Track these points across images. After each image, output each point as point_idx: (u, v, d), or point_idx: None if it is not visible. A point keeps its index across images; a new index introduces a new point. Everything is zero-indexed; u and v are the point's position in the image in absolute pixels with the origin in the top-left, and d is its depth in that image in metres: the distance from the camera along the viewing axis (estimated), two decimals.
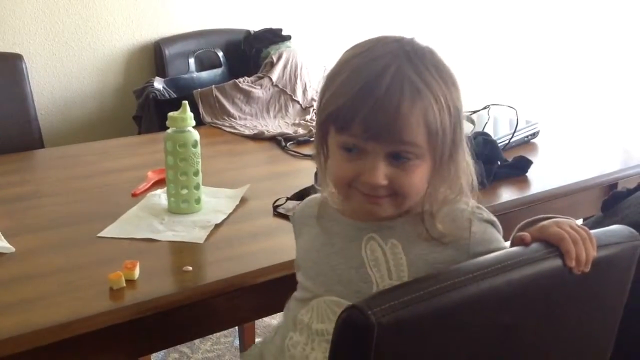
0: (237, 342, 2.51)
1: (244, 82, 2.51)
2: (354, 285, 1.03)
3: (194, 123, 1.51)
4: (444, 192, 1.04)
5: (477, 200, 1.08)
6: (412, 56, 0.98)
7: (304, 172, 1.77)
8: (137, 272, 1.23)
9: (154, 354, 2.32)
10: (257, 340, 2.21)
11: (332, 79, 1.01)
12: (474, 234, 1.03)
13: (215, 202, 1.57)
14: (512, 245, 1.00)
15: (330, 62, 1.09)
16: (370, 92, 0.95)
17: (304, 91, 2.58)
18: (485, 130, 1.86)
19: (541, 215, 1.04)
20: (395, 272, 1.02)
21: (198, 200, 1.53)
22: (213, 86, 2.47)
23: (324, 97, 1.01)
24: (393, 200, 1.00)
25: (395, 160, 0.98)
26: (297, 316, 1.09)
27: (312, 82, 2.62)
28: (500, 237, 1.06)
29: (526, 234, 0.98)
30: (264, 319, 2.47)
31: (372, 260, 1.03)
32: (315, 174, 1.57)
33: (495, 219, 1.07)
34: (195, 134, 1.51)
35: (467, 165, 1.05)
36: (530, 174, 1.73)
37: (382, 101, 0.94)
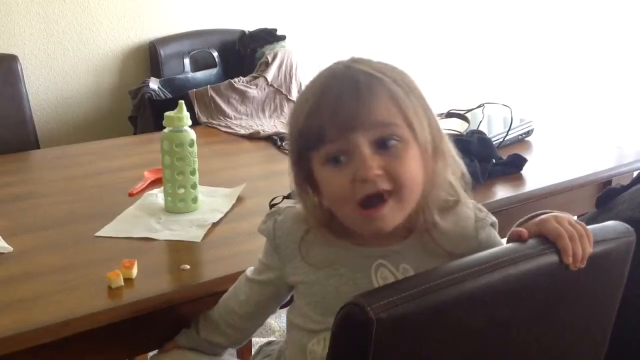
0: None
1: (239, 82, 2.51)
2: None
3: (190, 122, 1.51)
4: (437, 191, 1.01)
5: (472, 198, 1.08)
6: (358, 59, 1.01)
7: None
8: (135, 271, 1.23)
9: (151, 353, 2.32)
10: (253, 340, 2.21)
11: (291, 117, 1.03)
12: (481, 243, 1.03)
13: (212, 201, 1.58)
14: (508, 240, 1.00)
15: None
16: (328, 94, 0.96)
17: (299, 91, 2.59)
18: (480, 128, 1.87)
19: (540, 211, 1.04)
20: None
21: (195, 200, 1.54)
22: (208, 86, 2.48)
23: (292, 133, 1.02)
24: (395, 200, 0.96)
25: (382, 148, 0.95)
26: (308, 346, 1.05)
27: (307, 82, 2.63)
28: (498, 237, 1.07)
29: (523, 230, 0.98)
30: None
31: None
32: None
33: (495, 219, 1.08)
34: (192, 133, 1.51)
35: (454, 159, 1.04)
36: (525, 171, 1.74)
37: (341, 93, 0.95)
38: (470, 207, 1.06)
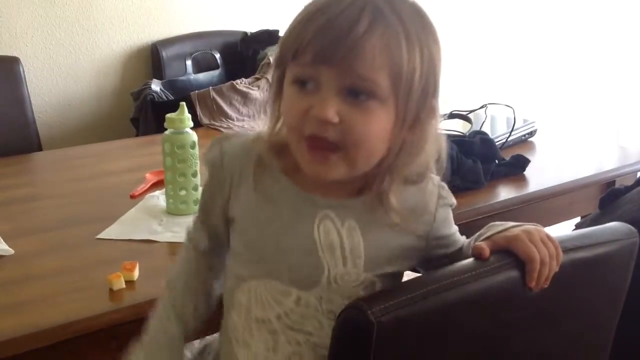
0: None
1: (241, 84, 2.51)
2: (303, 272, 0.94)
3: (191, 124, 1.51)
4: (403, 162, 0.92)
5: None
6: None
7: None
8: (136, 273, 1.23)
9: None
10: None
11: (292, 20, 0.90)
12: (436, 220, 0.98)
13: None
14: (472, 254, 0.93)
15: None
16: (326, 11, 0.84)
17: None
18: (483, 129, 1.86)
19: (503, 223, 0.97)
20: (350, 258, 0.94)
21: (196, 202, 1.53)
22: (210, 88, 2.48)
23: (284, 34, 0.90)
24: (343, 155, 0.88)
25: (351, 97, 0.85)
26: (235, 293, 0.99)
27: None
28: (453, 220, 1.02)
29: (485, 248, 0.91)
30: None
31: (326, 244, 0.93)
32: None
33: (455, 201, 1.02)
34: (193, 135, 1.51)
35: (437, 136, 0.94)
36: (528, 172, 1.73)
37: (335, 19, 0.83)
38: (435, 182, 0.99)
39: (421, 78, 0.87)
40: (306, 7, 0.89)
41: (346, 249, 0.94)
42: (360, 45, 0.83)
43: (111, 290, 1.19)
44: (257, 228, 0.97)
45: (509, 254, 0.92)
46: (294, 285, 0.95)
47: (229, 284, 1.02)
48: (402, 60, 0.85)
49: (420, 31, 0.87)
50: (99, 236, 1.42)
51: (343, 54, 0.83)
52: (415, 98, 0.88)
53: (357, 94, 0.86)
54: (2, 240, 1.37)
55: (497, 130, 1.96)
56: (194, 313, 1.07)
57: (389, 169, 0.92)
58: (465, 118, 1.99)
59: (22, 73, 2.37)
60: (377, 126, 0.87)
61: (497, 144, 1.78)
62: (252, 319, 0.98)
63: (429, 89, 0.89)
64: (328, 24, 0.84)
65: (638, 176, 1.79)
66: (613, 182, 1.80)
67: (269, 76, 2.56)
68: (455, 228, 1.03)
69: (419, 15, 0.89)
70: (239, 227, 1.00)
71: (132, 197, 1.64)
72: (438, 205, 0.99)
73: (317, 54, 0.85)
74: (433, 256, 1.01)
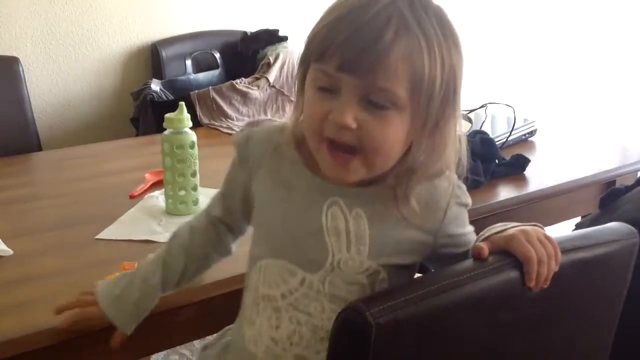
0: None
1: (241, 83, 2.51)
2: (308, 253, 0.98)
3: (190, 124, 1.51)
4: (423, 165, 0.95)
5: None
6: (415, 1, 0.89)
7: None
8: None
9: (153, 355, 2.32)
10: None
11: (322, 16, 0.92)
12: (447, 217, 0.99)
13: None
14: (472, 254, 0.94)
15: None
16: (353, 18, 0.86)
17: None
18: (483, 128, 1.86)
19: (503, 224, 0.98)
20: (355, 244, 0.96)
21: (196, 202, 1.53)
22: (210, 87, 2.48)
23: (310, 33, 0.93)
24: (362, 159, 0.91)
25: (370, 104, 0.88)
26: (250, 274, 1.05)
27: None
28: (467, 220, 1.03)
29: (484, 248, 0.92)
30: None
31: (332, 229, 0.96)
32: None
33: (470, 201, 1.03)
34: (193, 135, 1.51)
35: (456, 139, 0.96)
36: (528, 172, 1.73)
37: (361, 29, 0.86)
38: (452, 181, 1.00)
39: (441, 86, 0.90)
40: (332, 10, 0.91)
41: (351, 235, 0.97)
42: (384, 57, 0.86)
43: None
44: (270, 209, 1.03)
45: (508, 254, 0.92)
46: (300, 266, 0.99)
47: (248, 266, 1.07)
48: (424, 70, 0.88)
49: (442, 40, 0.90)
50: (99, 236, 1.42)
51: (367, 66, 0.86)
52: (436, 105, 0.91)
53: (375, 102, 0.89)
54: (1, 240, 1.37)
55: (497, 129, 1.96)
56: (181, 272, 1.13)
57: (407, 170, 0.95)
58: (465, 118, 1.99)
59: (22, 73, 2.36)
60: (394, 133, 0.90)
61: (497, 143, 1.78)
62: (259, 296, 1.02)
63: (449, 96, 0.92)
64: (354, 34, 0.86)
65: (638, 176, 1.79)
66: (613, 182, 1.80)
67: (269, 76, 2.56)
68: (469, 229, 1.04)
69: (442, 23, 0.91)
70: (256, 209, 1.06)
71: (132, 197, 1.64)
72: (450, 203, 1.00)
73: (341, 64, 0.88)
74: (442, 254, 1.01)
